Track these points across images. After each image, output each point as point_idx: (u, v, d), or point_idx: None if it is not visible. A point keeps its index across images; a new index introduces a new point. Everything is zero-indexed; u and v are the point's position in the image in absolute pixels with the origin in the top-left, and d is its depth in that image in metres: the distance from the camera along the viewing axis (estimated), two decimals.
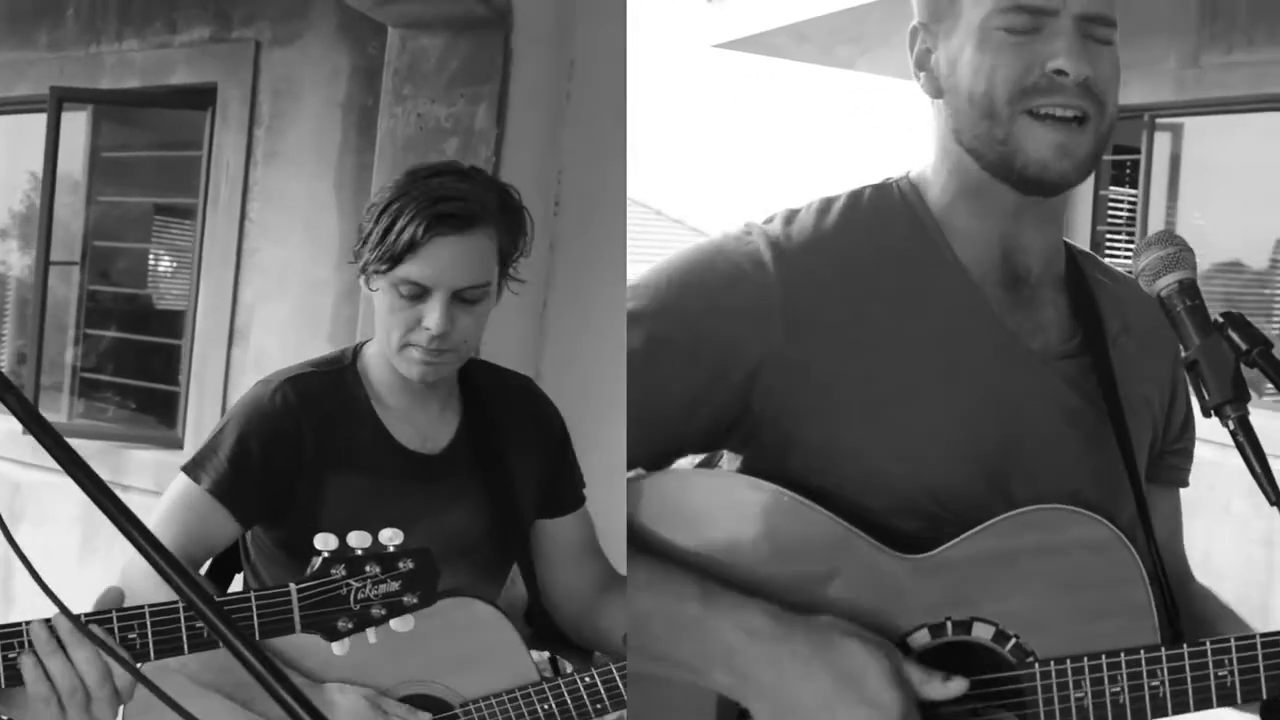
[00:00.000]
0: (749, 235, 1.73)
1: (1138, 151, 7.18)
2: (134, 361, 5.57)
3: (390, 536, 1.74)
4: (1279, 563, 5.29)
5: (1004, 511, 1.68)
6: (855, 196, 1.79)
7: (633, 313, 1.70)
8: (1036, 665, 1.65)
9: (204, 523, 2.21)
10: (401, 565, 1.75)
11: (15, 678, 1.61)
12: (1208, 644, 1.64)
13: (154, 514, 2.21)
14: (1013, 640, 1.65)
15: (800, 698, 1.57)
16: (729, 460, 1.83)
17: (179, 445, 4.99)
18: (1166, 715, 1.65)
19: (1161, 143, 7.19)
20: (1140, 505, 1.80)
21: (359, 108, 4.71)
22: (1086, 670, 1.65)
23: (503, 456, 2.36)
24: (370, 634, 1.73)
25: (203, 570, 2.29)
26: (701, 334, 1.69)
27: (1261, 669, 1.64)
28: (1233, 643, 1.64)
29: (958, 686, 1.61)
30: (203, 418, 4.85)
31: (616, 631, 2.30)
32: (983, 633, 1.66)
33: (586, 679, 2.11)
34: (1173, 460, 1.95)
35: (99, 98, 5.32)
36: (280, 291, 4.76)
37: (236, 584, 2.41)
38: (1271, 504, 1.57)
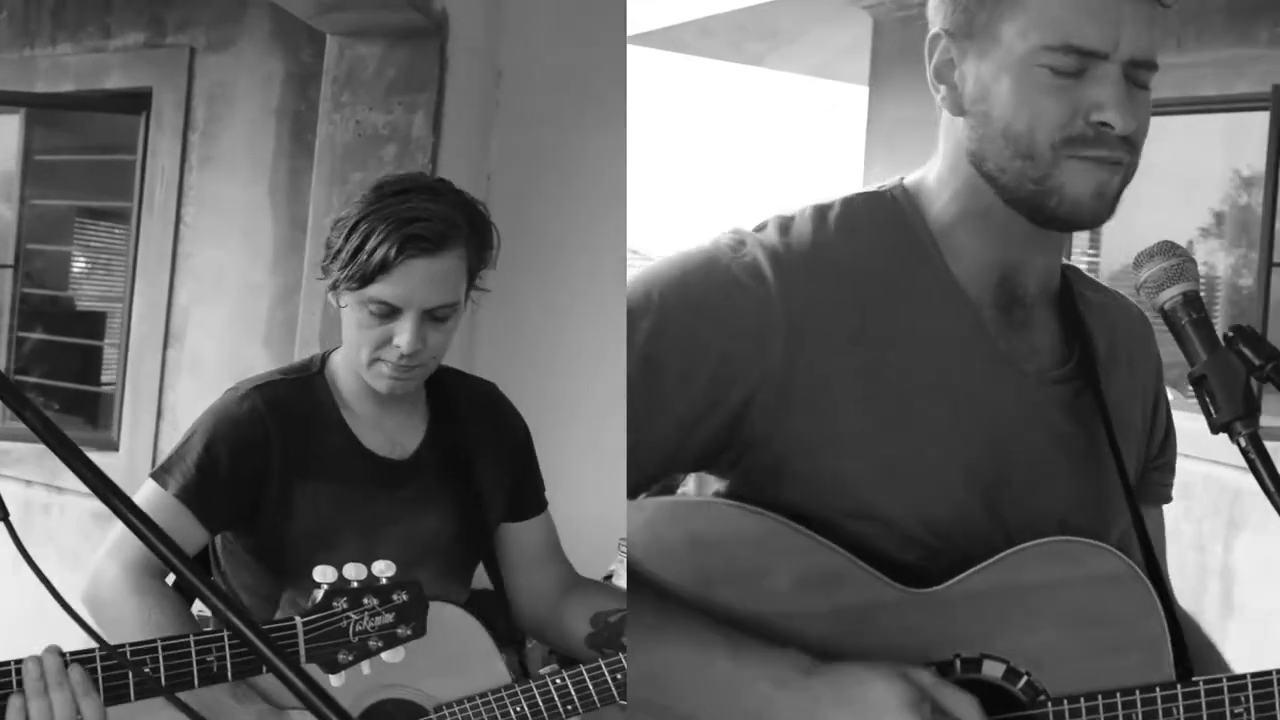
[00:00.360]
0: (743, 246, 1.65)
1: None
2: (56, 363, 5.59)
3: (383, 569, 1.79)
4: (1210, 566, 5.40)
5: (998, 539, 1.64)
6: (850, 205, 1.72)
7: (627, 326, 1.61)
8: (1049, 704, 1.61)
9: (171, 528, 2.16)
10: (396, 597, 1.80)
11: None
12: (1224, 680, 1.61)
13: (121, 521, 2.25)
14: (1024, 678, 1.61)
15: None
16: (697, 484, 1.75)
17: (114, 447, 5.01)
18: None
19: None
20: (1140, 531, 1.76)
21: (293, 113, 4.77)
22: (1101, 709, 1.61)
23: (470, 461, 2.39)
24: (365, 665, 1.79)
25: (169, 579, 2.30)
26: (698, 354, 1.61)
27: (1278, 706, 1.61)
28: (1249, 680, 1.62)
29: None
30: (138, 420, 4.89)
31: (579, 632, 2.35)
32: (993, 671, 1.61)
33: (558, 681, 2.13)
34: (1155, 477, 1.91)
35: (32, 101, 5.33)
36: (216, 295, 4.80)
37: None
38: None
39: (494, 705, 2.14)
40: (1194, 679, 1.62)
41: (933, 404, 1.64)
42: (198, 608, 2.35)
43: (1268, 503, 1.56)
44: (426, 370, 2.28)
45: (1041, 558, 1.61)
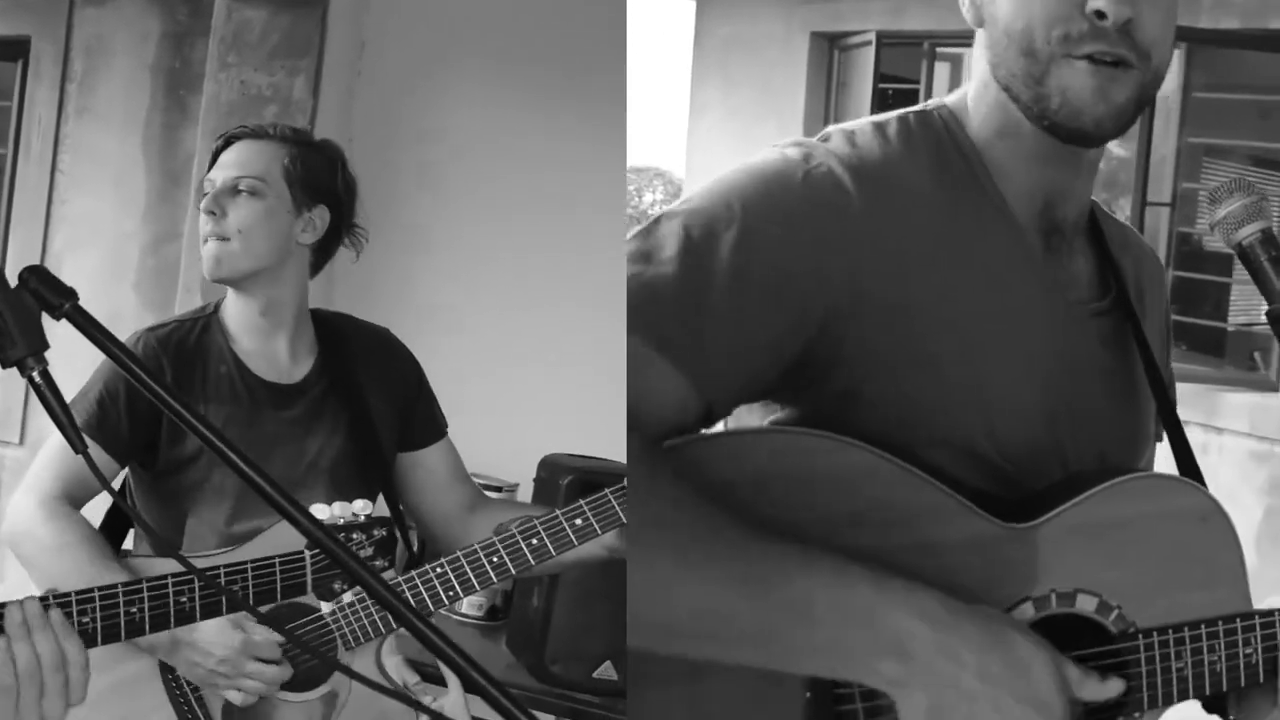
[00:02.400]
0: (814, 157, 1.58)
1: (915, 80, 7.51)
2: None
3: (362, 507, 1.95)
4: None
5: (1057, 468, 1.63)
6: (905, 124, 1.66)
7: (695, 237, 1.50)
8: (1140, 637, 1.60)
9: (82, 463, 2.40)
10: (376, 533, 1.95)
11: None
12: None
13: (35, 461, 2.39)
14: (1115, 611, 1.60)
15: (973, 688, 1.44)
16: (753, 413, 1.66)
17: None
18: (1258, 681, 1.64)
19: (941, 73, 7.55)
20: (1186, 456, 1.74)
21: (168, 70, 4.95)
22: (1187, 640, 1.61)
23: (358, 390, 2.54)
24: (349, 594, 1.91)
25: (93, 518, 2.43)
26: (784, 266, 1.51)
27: None
28: None
29: (1115, 687, 1.54)
30: None
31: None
32: (1086, 605, 1.59)
33: (439, 569, 2.23)
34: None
35: None
36: (90, 241, 4.96)
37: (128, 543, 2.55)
38: None
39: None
40: (1269, 609, 1.64)
41: (1000, 328, 1.61)
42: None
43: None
44: (241, 249, 2.44)
45: (1133, 493, 1.59)
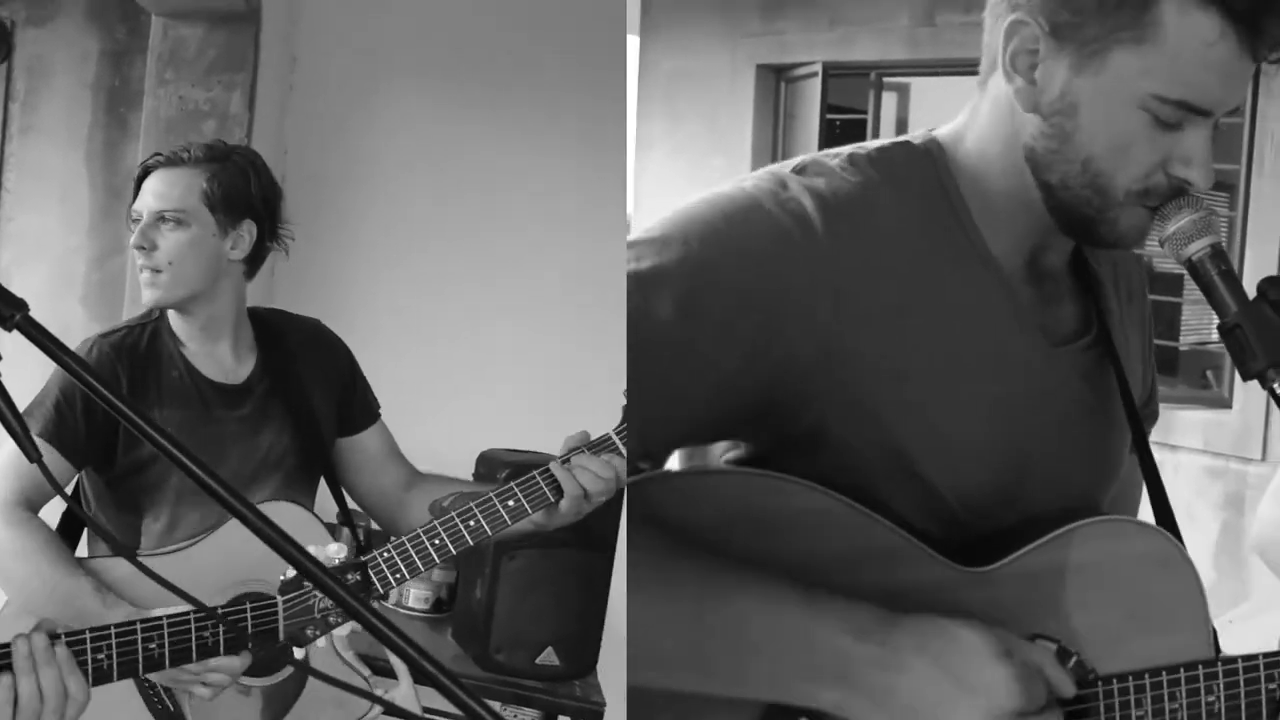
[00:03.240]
0: (786, 189, 1.54)
1: (863, 111, 7.36)
2: None
3: (336, 550, 2.02)
4: None
5: (1020, 513, 1.62)
6: (888, 157, 1.62)
7: (652, 273, 1.47)
8: (1099, 684, 1.59)
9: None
10: (349, 577, 1.99)
11: None
12: (1260, 658, 1.62)
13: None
14: (1074, 658, 1.58)
15: (916, 695, 1.43)
16: (695, 456, 1.67)
17: None
18: None
19: (889, 103, 7.43)
20: (1155, 490, 1.73)
21: (108, 88, 5.03)
22: (1148, 687, 1.60)
23: (299, 383, 2.63)
24: (322, 640, 1.97)
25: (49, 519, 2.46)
26: (740, 306, 1.48)
27: None
28: None
29: (1068, 687, 1.51)
30: None
31: (422, 519, 2.43)
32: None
33: (385, 554, 2.26)
34: (1145, 410, 1.86)
35: None
36: (37, 257, 5.01)
37: (82, 548, 2.57)
38: None
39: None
40: (1232, 656, 1.62)
41: (973, 378, 1.59)
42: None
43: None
44: (174, 278, 2.50)
45: (1092, 537, 1.58)
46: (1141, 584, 1.60)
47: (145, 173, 2.56)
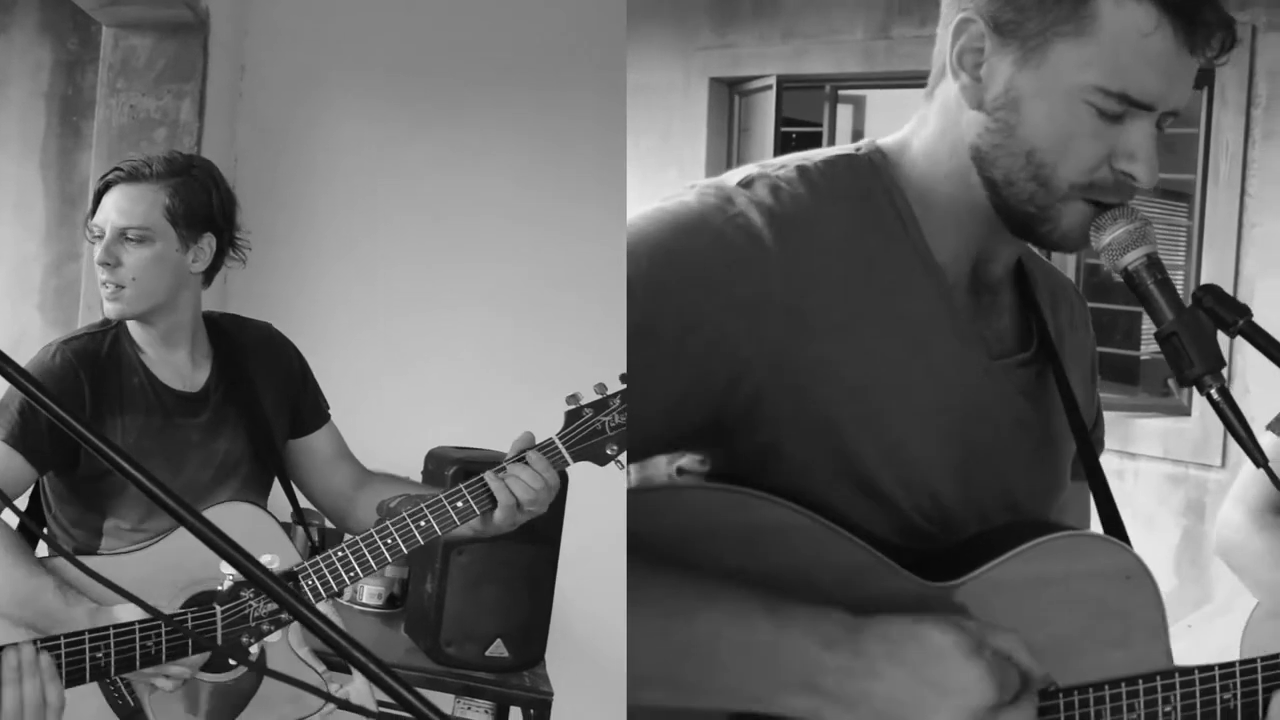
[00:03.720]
0: (733, 204, 1.53)
1: (819, 124, 7.30)
2: None
3: (268, 560, 2.05)
4: None
5: (972, 524, 1.63)
6: (833, 168, 1.62)
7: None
8: (1060, 695, 1.59)
9: (3, 469, 2.44)
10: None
11: None
12: (1215, 668, 1.64)
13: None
14: None
15: (889, 700, 1.42)
16: (643, 467, 1.67)
17: None
18: None
19: (844, 115, 7.34)
20: (1105, 506, 1.74)
21: (61, 97, 5.05)
22: (1107, 699, 1.61)
23: (253, 389, 2.67)
24: (275, 635, 2.04)
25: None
26: (691, 326, 1.48)
27: (1260, 690, 1.65)
28: (1237, 667, 1.64)
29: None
30: None
31: (370, 520, 2.51)
32: None
33: (339, 553, 2.34)
34: (1095, 432, 1.88)
35: None
36: None
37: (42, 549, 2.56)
38: (1259, 466, 1.58)
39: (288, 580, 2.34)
40: (1189, 667, 1.63)
41: (919, 391, 1.59)
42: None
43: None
44: (138, 293, 2.54)
45: (1058, 552, 1.59)
46: (1103, 598, 1.61)
47: (105, 187, 2.58)
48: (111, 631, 1.89)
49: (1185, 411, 6.52)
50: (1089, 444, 1.76)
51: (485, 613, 3.36)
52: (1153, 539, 6.30)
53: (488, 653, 3.37)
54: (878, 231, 1.60)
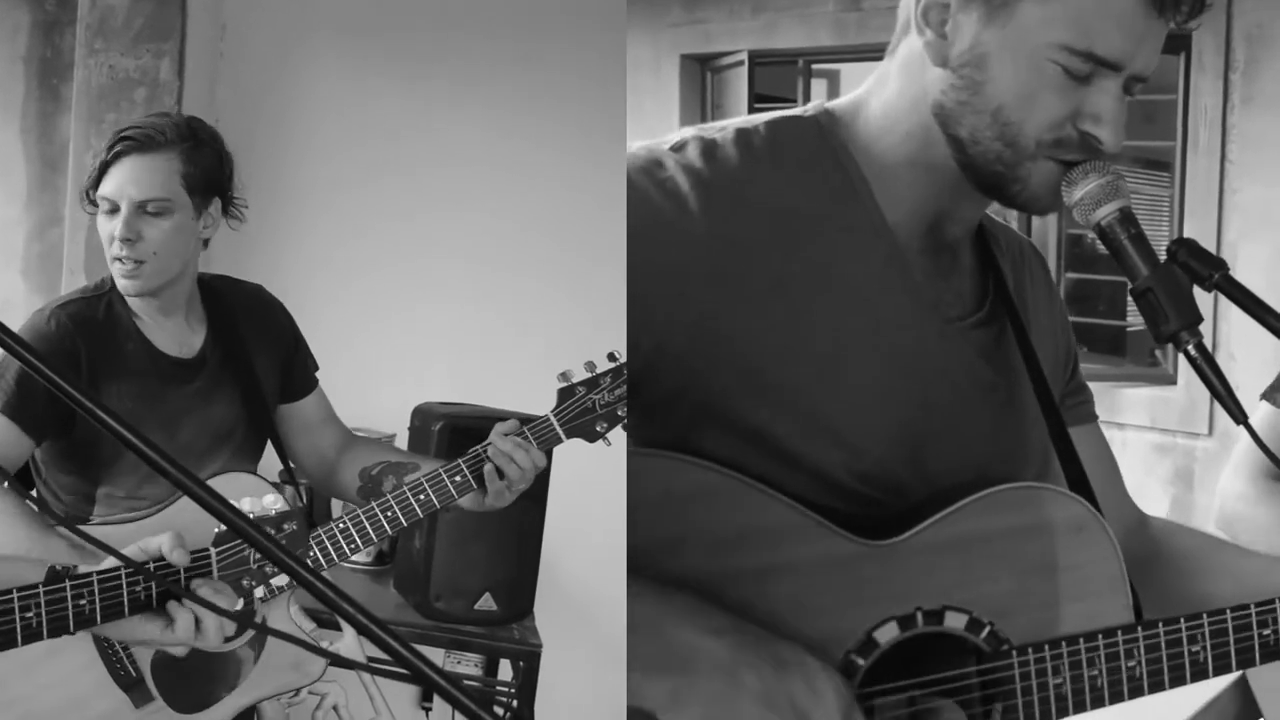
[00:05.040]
0: (662, 167, 1.53)
1: (792, 99, 7.27)
2: None
3: (272, 501, 2.03)
4: None
5: (922, 490, 1.59)
6: (775, 130, 1.60)
7: None
8: (1015, 654, 1.56)
9: (1, 443, 2.43)
10: (286, 527, 2.03)
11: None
12: (1182, 621, 1.59)
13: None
14: (987, 628, 1.56)
15: (750, 713, 1.40)
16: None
17: None
18: (1143, 694, 1.59)
19: (818, 90, 7.35)
20: (1068, 463, 1.71)
21: (40, 60, 5.02)
22: (1065, 655, 1.56)
23: (247, 354, 2.65)
24: (260, 590, 2.01)
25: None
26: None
27: (1232, 642, 1.60)
28: (1205, 619, 1.60)
29: None
30: None
31: (352, 485, 2.65)
32: (955, 622, 1.55)
33: (340, 525, 2.36)
34: (1078, 398, 1.86)
35: None
36: None
37: None
38: (1238, 424, 1.56)
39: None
40: (1153, 620, 1.60)
41: (860, 354, 1.56)
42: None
43: None
44: (154, 268, 2.50)
45: (1000, 505, 1.56)
46: (1055, 551, 1.58)
47: (115, 157, 2.49)
48: (95, 578, 1.87)
49: (1171, 380, 6.56)
50: (1051, 402, 1.72)
51: (473, 567, 3.38)
52: (1142, 507, 6.33)
53: (476, 606, 3.39)
54: (821, 194, 1.58)
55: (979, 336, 1.68)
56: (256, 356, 2.68)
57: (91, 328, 2.50)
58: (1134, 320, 6.96)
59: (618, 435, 2.49)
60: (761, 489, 1.49)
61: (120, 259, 2.49)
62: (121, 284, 2.51)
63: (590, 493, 3.49)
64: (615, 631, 3.30)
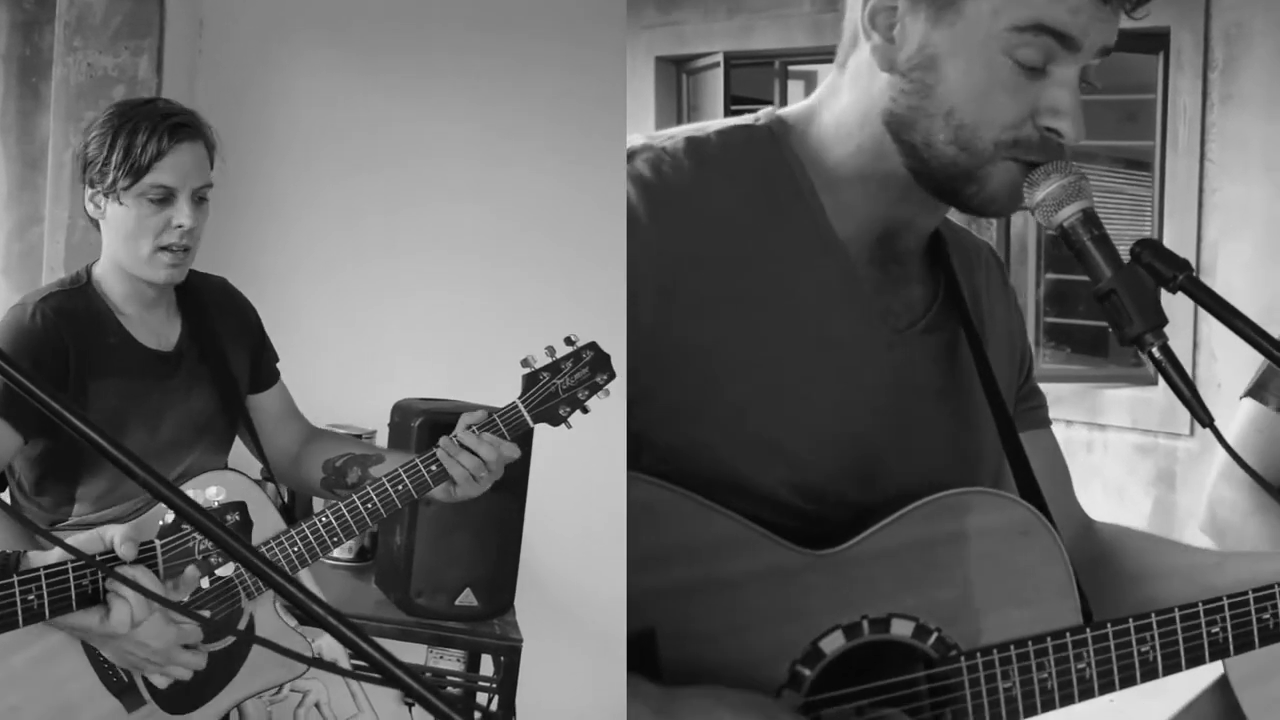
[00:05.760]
0: None
1: (769, 100, 7.19)
2: None
3: (215, 493, 2.01)
4: None
5: (875, 503, 1.57)
6: (727, 140, 1.59)
7: None
8: (963, 659, 1.55)
9: None
10: (229, 518, 2.02)
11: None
12: (1130, 622, 1.59)
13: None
14: (934, 634, 1.55)
15: None
16: None
17: None
18: (1094, 696, 1.58)
19: (795, 92, 7.38)
20: (1019, 468, 1.69)
21: (19, 59, 5.01)
22: (1014, 659, 1.56)
23: (220, 345, 2.64)
24: (205, 581, 2.00)
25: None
26: None
27: (1181, 641, 1.60)
28: (1154, 619, 1.59)
29: None
30: None
31: (316, 478, 2.67)
32: (902, 629, 1.54)
33: (324, 519, 2.40)
34: (1031, 402, 1.84)
35: None
36: None
37: None
38: (1204, 426, 1.55)
39: (275, 548, 2.40)
40: (1101, 622, 1.59)
41: (808, 369, 1.55)
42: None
43: None
44: (193, 254, 2.51)
45: (944, 511, 1.55)
46: (1001, 555, 1.57)
47: (173, 144, 2.45)
48: (43, 572, 1.85)
49: (1152, 381, 6.57)
50: (1002, 406, 1.70)
51: (453, 563, 3.38)
52: (1124, 509, 6.38)
53: (457, 602, 3.39)
54: (771, 206, 1.57)
55: (930, 343, 1.66)
56: (229, 348, 2.68)
57: (76, 322, 2.47)
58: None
59: (577, 419, 2.51)
60: (701, 502, 1.48)
61: (173, 248, 2.47)
62: (167, 274, 2.49)
63: (569, 487, 3.50)
64: (599, 626, 3.32)
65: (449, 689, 3.81)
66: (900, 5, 1.52)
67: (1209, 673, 1.92)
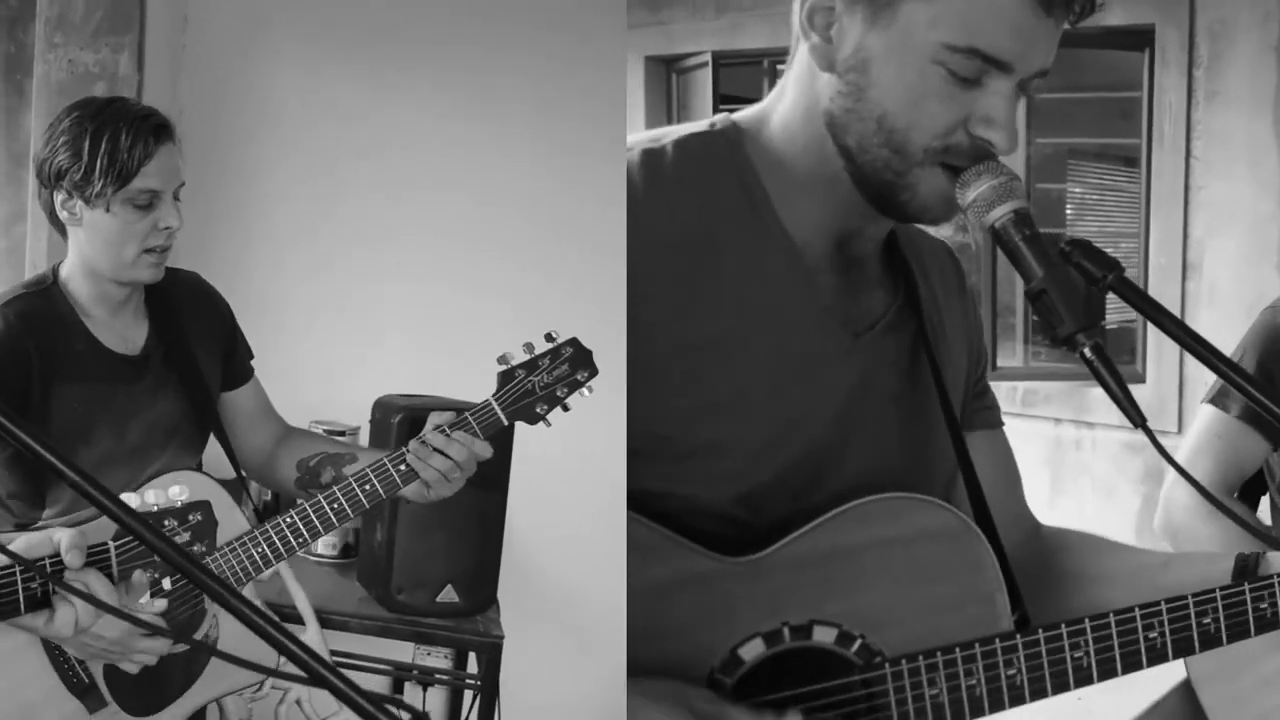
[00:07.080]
0: None
1: (758, 98, 7.52)
2: None
3: (178, 492, 1.97)
4: None
5: (823, 500, 1.56)
6: (683, 151, 1.58)
7: None
8: (887, 665, 1.54)
9: None
10: (191, 518, 1.98)
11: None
12: (1063, 627, 1.57)
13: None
14: (858, 641, 1.54)
15: None
16: None
17: None
18: (1025, 702, 1.56)
19: None
20: (967, 471, 1.68)
21: (3, 55, 5.00)
22: (941, 665, 1.54)
23: (189, 346, 2.61)
24: (166, 582, 1.95)
25: None
26: None
27: (1116, 647, 1.58)
28: (1088, 624, 1.58)
29: None
30: None
31: (290, 477, 2.66)
32: (824, 636, 1.53)
33: (287, 519, 2.38)
34: (982, 402, 1.83)
35: None
36: None
37: None
38: (1136, 427, 1.53)
39: (239, 550, 2.38)
40: (1033, 627, 1.58)
41: (763, 378, 1.55)
42: None
43: None
44: (170, 250, 2.49)
45: (867, 517, 1.54)
46: (927, 561, 1.55)
47: (157, 144, 2.43)
48: None
49: (1139, 379, 6.57)
50: (950, 408, 1.69)
51: (435, 558, 3.38)
52: (1113, 507, 6.38)
53: (439, 599, 3.39)
54: (725, 214, 1.56)
55: (888, 346, 1.66)
56: (199, 349, 2.65)
57: (40, 326, 2.44)
58: (1109, 320, 6.97)
59: (578, 417, 2.48)
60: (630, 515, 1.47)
61: (157, 249, 2.46)
62: (152, 274, 2.48)
63: (552, 482, 3.49)
64: (581, 620, 3.31)
65: (435, 685, 3.83)
66: (838, 5, 1.52)
67: (1179, 669, 1.91)
